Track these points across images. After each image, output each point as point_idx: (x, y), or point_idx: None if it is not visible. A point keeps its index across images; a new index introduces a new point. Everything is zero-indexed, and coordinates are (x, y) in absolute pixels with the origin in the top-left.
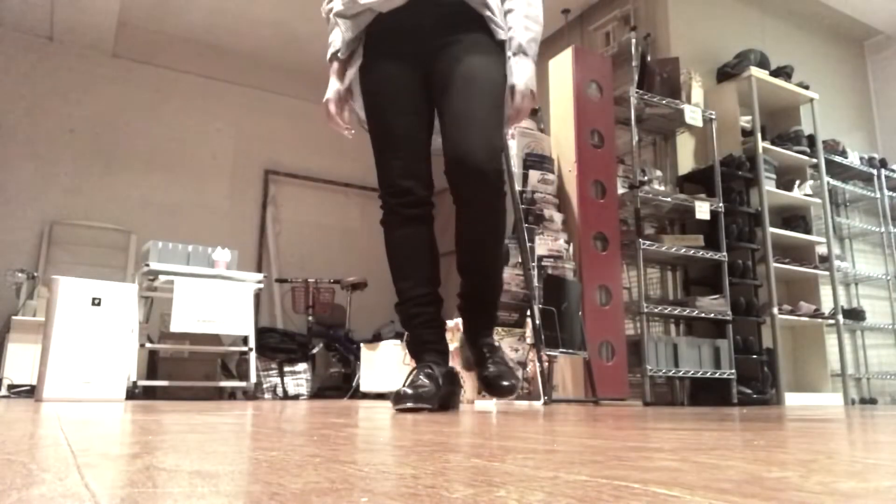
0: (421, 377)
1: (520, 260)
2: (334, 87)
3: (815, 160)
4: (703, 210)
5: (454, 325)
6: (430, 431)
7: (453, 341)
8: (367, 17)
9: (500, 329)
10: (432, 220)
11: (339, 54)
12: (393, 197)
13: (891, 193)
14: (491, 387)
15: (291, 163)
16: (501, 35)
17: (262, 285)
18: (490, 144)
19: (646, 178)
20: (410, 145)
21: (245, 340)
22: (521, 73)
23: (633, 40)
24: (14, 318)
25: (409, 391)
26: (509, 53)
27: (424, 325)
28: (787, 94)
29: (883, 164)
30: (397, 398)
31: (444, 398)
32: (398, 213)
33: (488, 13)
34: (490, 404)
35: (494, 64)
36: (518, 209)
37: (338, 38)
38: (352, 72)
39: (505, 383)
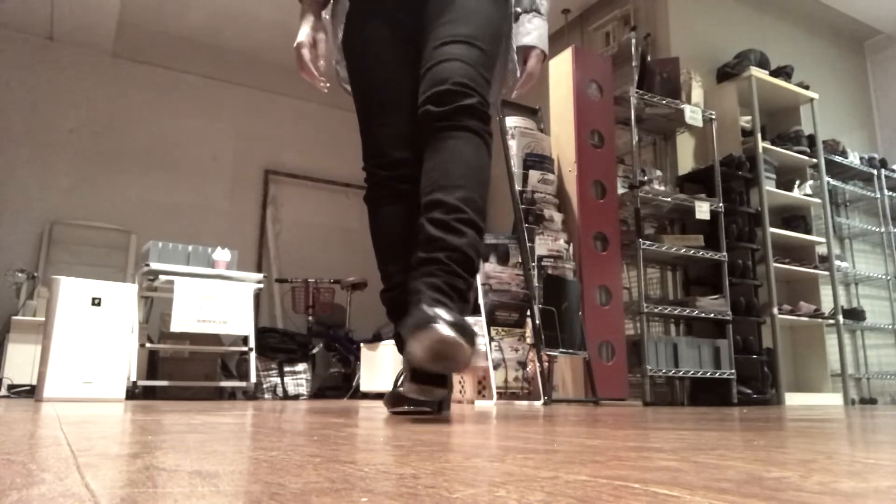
0: None
1: (520, 260)
2: (307, 27)
3: (815, 160)
4: (703, 210)
5: None
6: (430, 431)
7: None
8: None
9: (500, 329)
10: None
11: None
12: (384, 169)
13: (891, 193)
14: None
15: (291, 163)
16: None
17: (262, 285)
18: (478, 72)
19: (646, 178)
20: (398, 110)
21: (245, 340)
22: (533, 32)
23: (633, 40)
24: (14, 318)
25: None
26: (517, 9)
27: None
28: (787, 94)
29: (883, 164)
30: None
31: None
32: (389, 188)
33: None
34: (490, 404)
35: (494, 6)
36: (518, 209)
37: None
38: (340, 27)
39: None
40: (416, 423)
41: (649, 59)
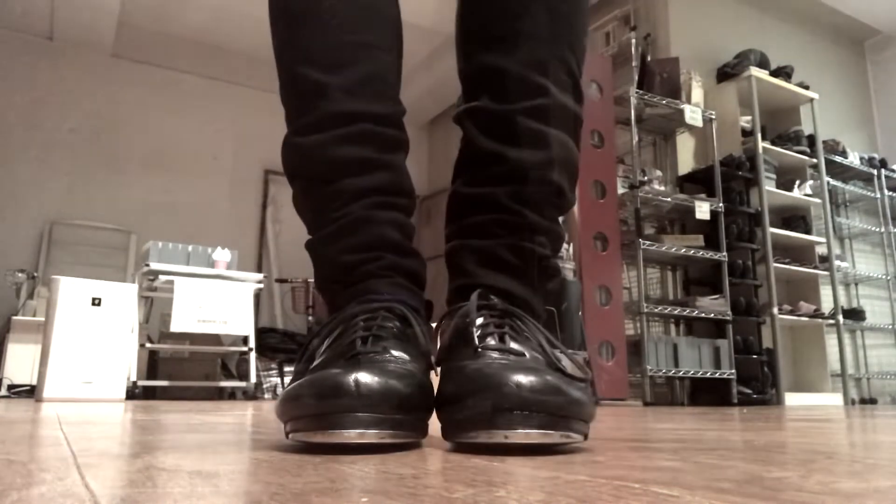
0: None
1: None
2: None
3: (815, 160)
4: (703, 210)
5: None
6: (430, 431)
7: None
8: None
9: None
10: None
11: None
12: None
13: (891, 193)
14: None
15: None
16: None
17: (262, 285)
18: None
19: (646, 178)
20: None
21: (245, 340)
22: None
23: (633, 40)
24: (14, 318)
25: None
26: None
27: (376, 193)
28: (787, 94)
29: (883, 164)
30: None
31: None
32: None
33: None
34: None
35: None
36: None
37: None
38: None
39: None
40: None
41: (649, 59)
